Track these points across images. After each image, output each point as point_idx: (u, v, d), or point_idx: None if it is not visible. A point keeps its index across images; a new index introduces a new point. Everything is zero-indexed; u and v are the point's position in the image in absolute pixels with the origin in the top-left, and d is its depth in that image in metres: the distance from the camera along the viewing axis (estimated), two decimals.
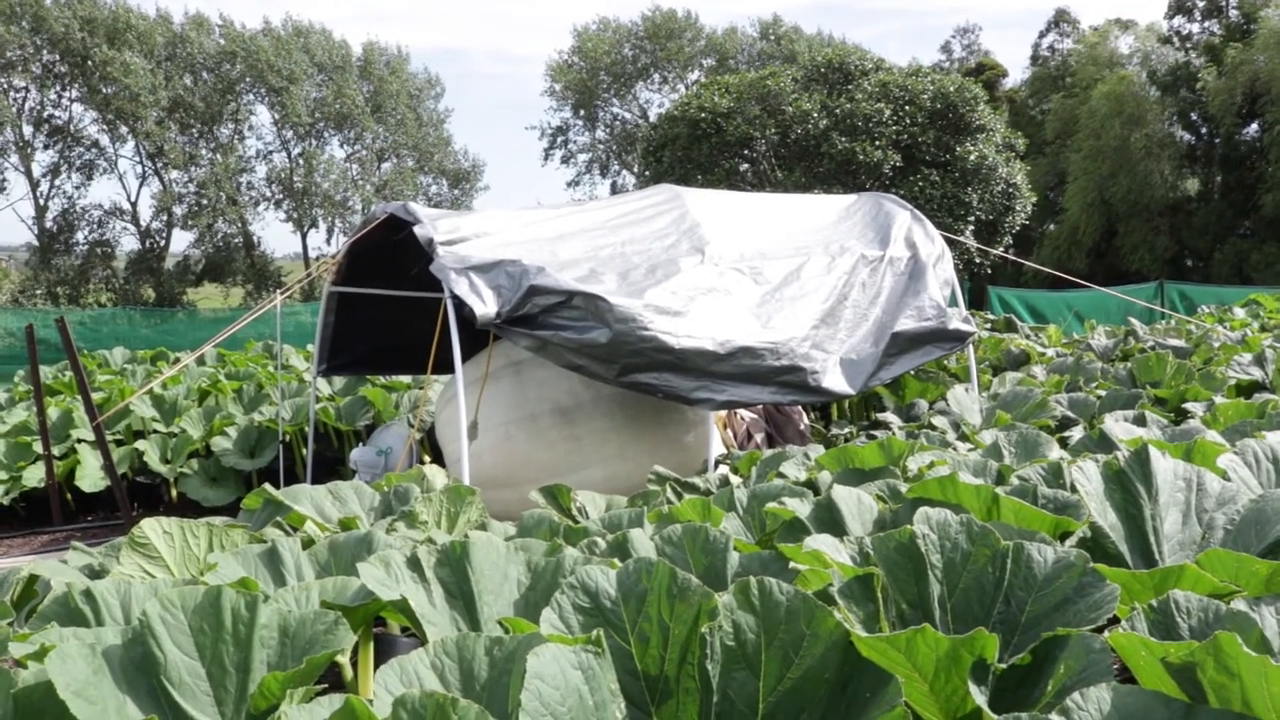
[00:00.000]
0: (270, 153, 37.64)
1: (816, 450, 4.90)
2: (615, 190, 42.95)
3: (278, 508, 4.22)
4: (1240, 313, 12.75)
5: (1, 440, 8.67)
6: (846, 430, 7.56)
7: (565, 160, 44.40)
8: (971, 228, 19.74)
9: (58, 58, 32.20)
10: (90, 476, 8.33)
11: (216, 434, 8.78)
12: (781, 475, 4.38)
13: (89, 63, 31.64)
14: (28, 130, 33.23)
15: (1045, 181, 31.54)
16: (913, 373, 7.88)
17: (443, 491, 4.04)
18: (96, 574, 3.48)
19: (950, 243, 9.00)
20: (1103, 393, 6.33)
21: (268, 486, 4.39)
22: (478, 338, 6.58)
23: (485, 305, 5.85)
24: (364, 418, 9.26)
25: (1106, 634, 1.84)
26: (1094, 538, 2.72)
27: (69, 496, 8.53)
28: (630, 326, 5.74)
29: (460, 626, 2.50)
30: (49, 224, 34.02)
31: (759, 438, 7.65)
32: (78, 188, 35.25)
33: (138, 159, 35.44)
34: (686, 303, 6.16)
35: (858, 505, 3.06)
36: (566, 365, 5.97)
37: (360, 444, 8.53)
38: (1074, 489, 2.95)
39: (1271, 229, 27.83)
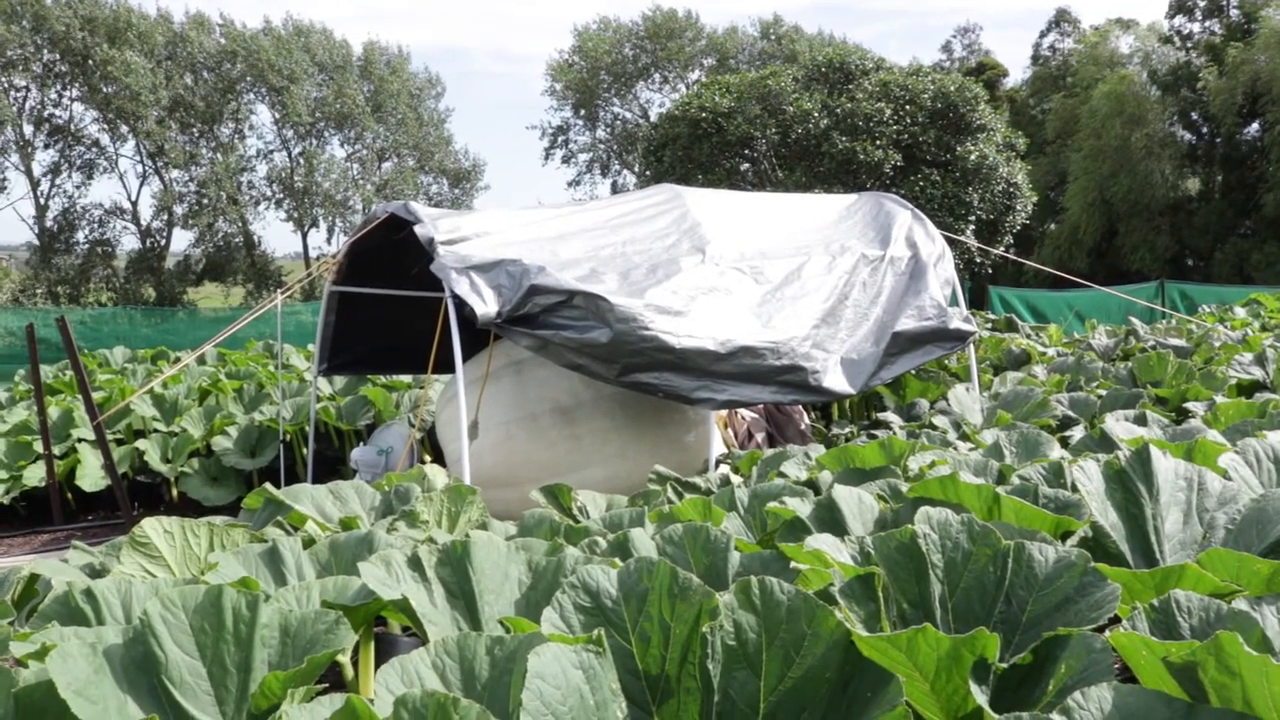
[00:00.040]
0: (271, 152, 37.72)
1: (817, 450, 4.89)
2: (616, 190, 42.97)
3: (278, 507, 4.22)
4: (1241, 312, 12.75)
5: (2, 439, 8.68)
6: (847, 430, 7.55)
7: (566, 160, 44.45)
8: (972, 227, 19.74)
9: (58, 57, 32.22)
10: (91, 476, 8.33)
11: (217, 433, 8.78)
12: (782, 475, 4.38)
13: (89, 62, 31.66)
14: (28, 129, 33.27)
15: (1046, 181, 31.53)
16: (913, 372, 7.88)
17: (443, 491, 4.04)
18: (97, 573, 3.48)
19: (951, 242, 9.00)
20: (1104, 392, 6.33)
21: (268, 486, 4.39)
22: (478, 337, 6.58)
23: (486, 305, 5.85)
24: (365, 417, 9.26)
25: (1107, 633, 1.84)
26: (1095, 537, 2.72)
27: (69, 496, 8.53)
28: (631, 326, 5.74)
29: (461, 626, 2.50)
30: (49, 223, 34.05)
31: (760, 437, 7.65)
32: (78, 187, 35.38)
33: (138, 158, 35.50)
34: (687, 302, 6.16)
35: (859, 505, 3.06)
36: (567, 365, 5.97)
37: (361, 443, 8.54)
38: (1075, 488, 2.95)
39: (1272, 228, 27.82)
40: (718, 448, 6.73)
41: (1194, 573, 2.19)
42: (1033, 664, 1.88)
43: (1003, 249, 20.02)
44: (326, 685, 2.90)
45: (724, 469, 5.69)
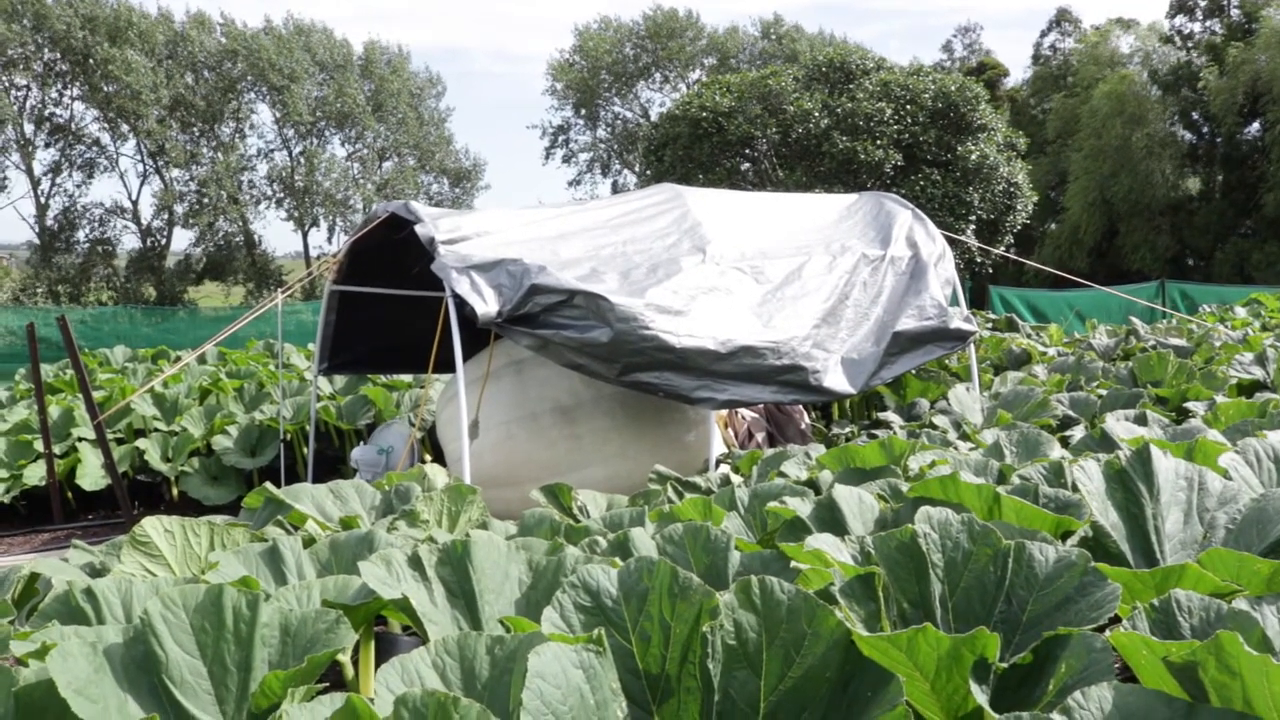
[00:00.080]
0: (271, 151, 37.73)
1: (817, 449, 4.89)
2: (616, 189, 42.98)
3: (279, 506, 4.22)
4: (1241, 312, 12.75)
5: (2, 438, 8.68)
6: (848, 429, 7.55)
7: (566, 159, 44.46)
8: (973, 227, 19.73)
9: (59, 56, 32.22)
10: (91, 475, 8.33)
11: (217, 432, 8.78)
12: (783, 474, 4.38)
13: (90, 61, 31.67)
14: (29, 128, 33.27)
15: (1046, 181, 31.53)
16: (914, 372, 7.88)
17: (444, 490, 4.04)
18: (98, 572, 3.48)
19: (951, 242, 8.99)
20: (1104, 392, 6.33)
21: (269, 485, 4.39)
22: (479, 337, 6.58)
23: (486, 304, 5.85)
24: (365, 416, 9.27)
25: (1108, 633, 1.84)
26: (1095, 537, 2.72)
27: (70, 495, 8.53)
28: (631, 326, 5.74)
29: (461, 625, 2.50)
30: (50, 222, 34.06)
31: (760, 437, 7.65)
32: (79, 186, 35.37)
33: (139, 157, 35.51)
34: (688, 302, 6.16)
35: (859, 504, 3.06)
36: (567, 364, 5.97)
37: (361, 443, 8.54)
38: (1075, 488, 2.95)
39: (1273, 228, 27.82)
40: (718, 447, 6.73)
41: (1194, 572, 2.19)
42: (1033, 664, 1.88)
43: (1003, 249, 20.02)
44: (327, 684, 2.90)
45: (724, 468, 5.69)
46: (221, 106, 35.03)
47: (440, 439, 6.95)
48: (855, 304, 6.88)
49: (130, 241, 35.70)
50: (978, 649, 1.80)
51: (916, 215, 7.85)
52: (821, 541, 2.50)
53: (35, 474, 8.19)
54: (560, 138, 43.95)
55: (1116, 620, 2.22)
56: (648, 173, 22.85)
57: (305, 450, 8.50)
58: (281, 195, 37.29)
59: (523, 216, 7.00)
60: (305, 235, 38.41)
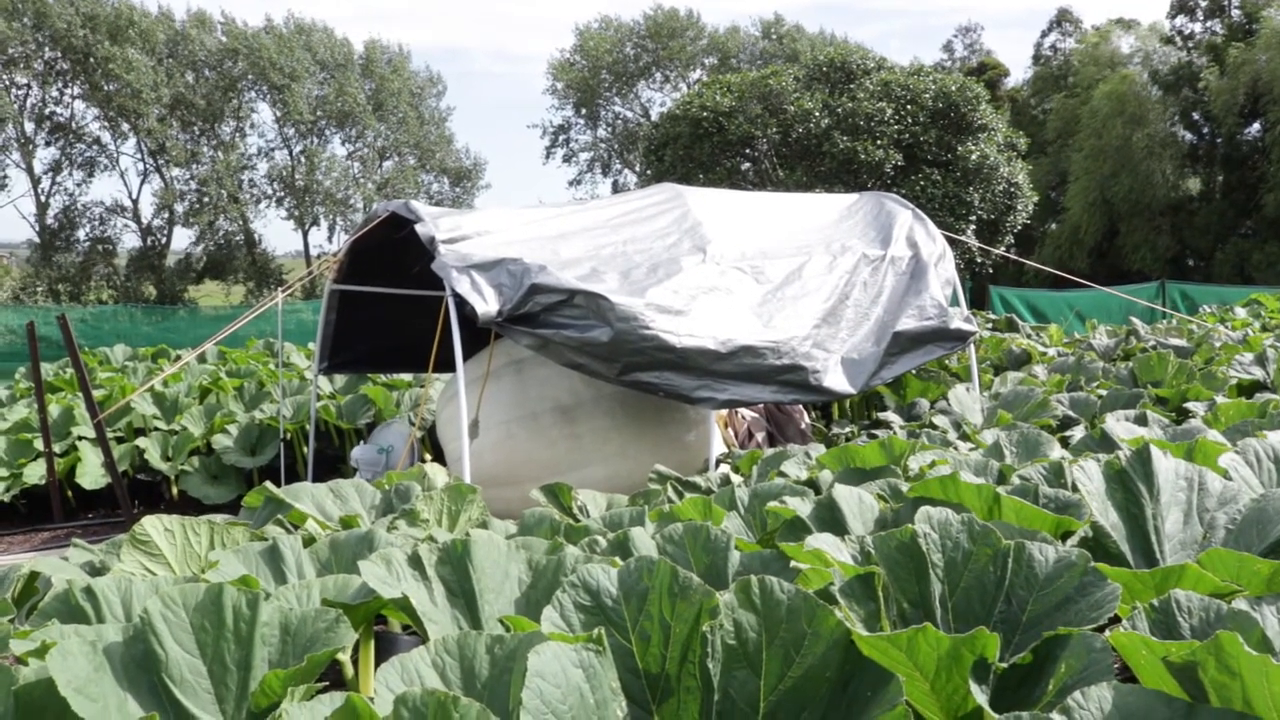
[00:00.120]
0: (272, 150, 37.74)
1: (817, 449, 4.89)
2: (617, 189, 42.97)
3: (279, 505, 4.23)
4: (1241, 312, 12.74)
5: (2, 437, 8.68)
6: (848, 429, 7.55)
7: (567, 159, 44.47)
8: (973, 227, 19.73)
9: (59, 54, 32.24)
10: (91, 474, 8.33)
11: (217, 432, 8.78)
12: (782, 474, 4.38)
13: (91, 59, 31.68)
14: (29, 127, 33.28)
15: (1047, 181, 31.52)
16: (914, 372, 7.88)
17: (444, 490, 4.04)
18: (97, 571, 3.48)
19: (952, 242, 8.99)
20: (1104, 392, 6.33)
21: (269, 484, 4.39)
22: (479, 336, 6.58)
23: (487, 303, 5.85)
24: (365, 416, 9.27)
25: (1108, 633, 1.84)
26: (1095, 537, 2.72)
27: (70, 494, 8.53)
28: (632, 325, 5.74)
29: (461, 625, 2.50)
30: (50, 221, 34.06)
31: (760, 437, 7.65)
32: (79, 185, 35.34)
33: (139, 156, 35.51)
34: (688, 302, 6.16)
35: (859, 504, 3.06)
36: (568, 364, 5.97)
37: (361, 442, 8.54)
38: (1075, 488, 2.95)
39: (1273, 229, 27.82)
40: (718, 447, 6.73)
41: (1194, 573, 2.19)
42: (1033, 664, 1.88)
43: (1003, 249, 20.02)
44: (326, 684, 2.90)
45: (724, 468, 5.69)
46: (222, 105, 35.04)
47: (440, 438, 6.95)
48: (855, 304, 6.88)
49: (130, 240, 35.79)
50: (977, 649, 1.80)
51: (917, 215, 7.85)
52: (821, 541, 2.50)
53: (35, 473, 8.19)
54: (560, 137, 43.97)
55: (1116, 620, 2.22)
56: (648, 172, 22.85)
57: (305, 449, 8.50)
58: (282, 194, 37.31)
59: (523, 216, 7.00)
60: (305, 234, 38.46)
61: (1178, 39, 32.64)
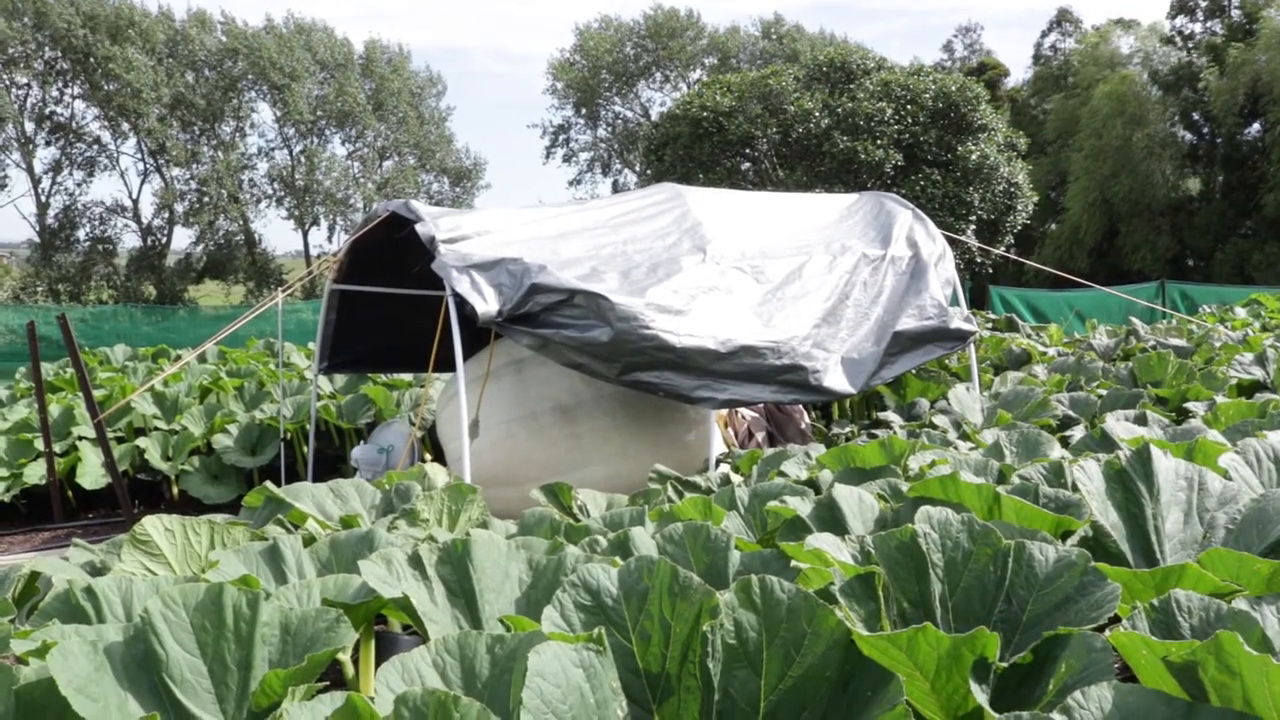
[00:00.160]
0: (272, 150, 37.72)
1: (818, 449, 4.90)
2: (617, 189, 42.95)
3: (279, 505, 4.23)
4: (1241, 312, 12.75)
5: (3, 437, 8.68)
6: (848, 429, 7.55)
7: (567, 159, 44.46)
8: (973, 227, 19.73)
9: (60, 54, 32.24)
10: (91, 474, 8.33)
11: (218, 431, 8.78)
12: (783, 474, 4.38)
13: (91, 59, 31.68)
14: (29, 127, 33.28)
15: (1047, 181, 31.52)
16: (914, 372, 7.88)
17: (444, 489, 4.04)
18: (98, 571, 3.48)
19: (952, 242, 8.99)
20: (1104, 392, 6.33)
21: (269, 484, 4.39)
22: (479, 336, 6.58)
23: (487, 303, 5.85)
24: (365, 415, 9.27)
25: (1108, 633, 1.84)
26: (1095, 537, 2.72)
27: (70, 494, 8.53)
28: (632, 325, 5.74)
29: (462, 624, 2.51)
30: (50, 221, 34.06)
31: (760, 436, 7.65)
32: (79, 184, 35.34)
33: (139, 156, 35.51)
34: (688, 301, 6.16)
35: (859, 504, 3.06)
36: (568, 363, 5.97)
37: (361, 442, 8.54)
38: (1075, 488, 2.95)
39: (1273, 229, 27.82)
40: (718, 447, 6.73)
41: (1194, 572, 2.19)
42: (1033, 663, 1.88)
43: (1003, 249, 20.02)
44: (327, 683, 2.90)
45: (724, 468, 5.69)
46: (222, 105, 35.03)
47: (440, 438, 6.95)
48: (855, 304, 6.88)
49: (130, 240, 35.78)
50: (978, 649, 1.80)
51: (917, 215, 7.85)
52: (821, 541, 2.51)
53: (35, 473, 8.19)
54: (560, 137, 43.95)
55: (1116, 620, 2.22)
56: (648, 172, 22.85)
57: (305, 449, 8.50)
58: (282, 194, 37.30)
59: (523, 216, 7.01)
60: (305, 234, 38.45)
61: (1178, 39, 32.64)
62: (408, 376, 10.26)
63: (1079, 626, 1.91)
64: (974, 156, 19.72)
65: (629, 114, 43.97)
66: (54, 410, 8.87)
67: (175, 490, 8.64)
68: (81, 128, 34.36)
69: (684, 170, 20.59)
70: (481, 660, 1.88)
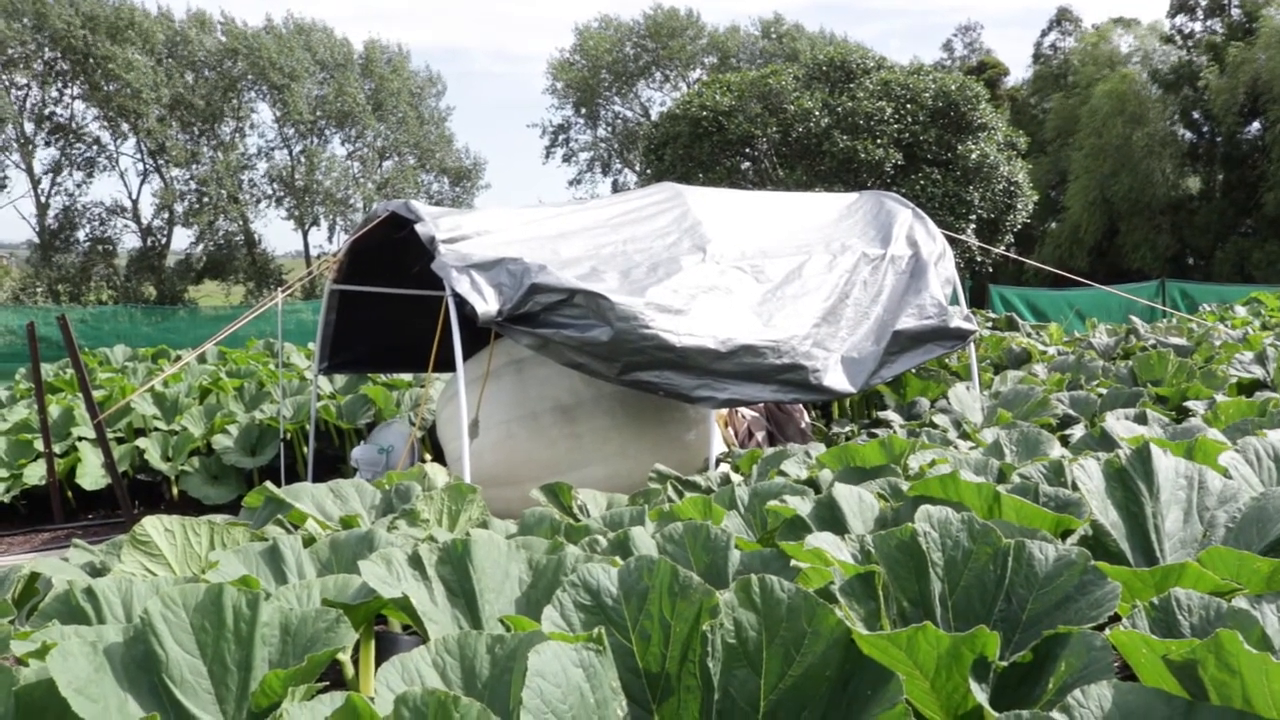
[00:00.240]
0: (272, 150, 37.70)
1: (817, 448, 4.90)
2: (617, 188, 42.94)
3: (279, 506, 4.23)
4: (1241, 311, 12.75)
5: (2, 438, 8.68)
6: (848, 428, 7.55)
7: (567, 158, 44.45)
8: (973, 226, 19.73)
9: (59, 55, 32.21)
10: (91, 474, 8.33)
11: (218, 432, 8.78)
12: (783, 473, 4.38)
13: (90, 60, 31.66)
14: (29, 127, 33.26)
15: (1047, 180, 31.50)
16: (914, 371, 7.87)
17: (444, 489, 4.04)
18: (98, 572, 3.48)
19: (952, 241, 9.00)
20: (1104, 391, 6.33)
21: (269, 484, 4.39)
22: (479, 336, 6.58)
23: (487, 303, 5.85)
24: (365, 416, 9.27)
25: (1108, 632, 1.84)
26: (1095, 536, 2.72)
27: (70, 494, 8.53)
28: (632, 325, 5.74)
29: (462, 624, 2.51)
30: (50, 221, 34.05)
31: (760, 436, 7.65)
32: (79, 185, 35.30)
33: (139, 156, 35.49)
34: (688, 301, 6.16)
35: (859, 503, 3.06)
36: (568, 363, 5.97)
37: (361, 442, 8.54)
38: (1075, 487, 2.95)
39: (1273, 227, 27.81)
40: (718, 446, 6.73)
41: (1194, 571, 2.19)
42: (1033, 662, 1.88)
43: (1003, 248, 20.02)
44: (327, 683, 2.90)
45: (724, 467, 5.69)
46: (222, 105, 35.02)
47: (440, 438, 6.95)
48: (855, 303, 6.88)
49: (130, 241, 35.76)
50: (977, 647, 1.80)
51: (917, 214, 7.86)
52: (821, 540, 2.51)
53: (35, 473, 8.19)
54: (560, 137, 43.95)
55: (1116, 619, 2.22)
56: (648, 172, 22.84)
57: (305, 449, 8.50)
58: (281, 194, 37.29)
59: (523, 216, 7.01)
60: (305, 234, 38.44)
61: (1177, 38, 32.62)
62: (408, 376, 10.26)
63: (1079, 625, 1.91)
64: (974, 155, 19.72)
65: (629, 114, 43.99)
66: (54, 411, 8.87)
67: (175, 491, 8.64)
68: (81, 128, 34.36)
69: (684, 170, 20.59)
70: (481, 660, 1.88)
